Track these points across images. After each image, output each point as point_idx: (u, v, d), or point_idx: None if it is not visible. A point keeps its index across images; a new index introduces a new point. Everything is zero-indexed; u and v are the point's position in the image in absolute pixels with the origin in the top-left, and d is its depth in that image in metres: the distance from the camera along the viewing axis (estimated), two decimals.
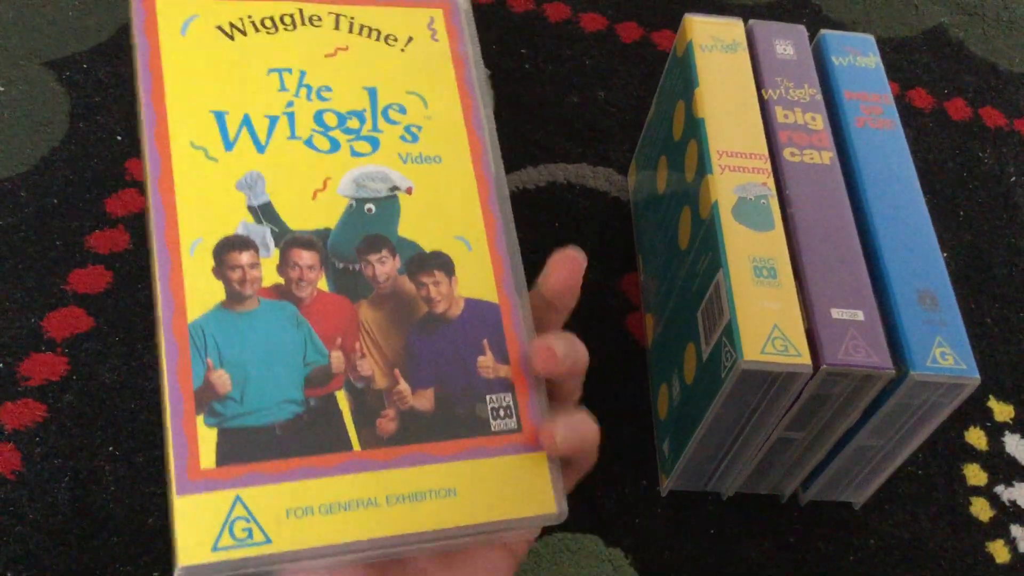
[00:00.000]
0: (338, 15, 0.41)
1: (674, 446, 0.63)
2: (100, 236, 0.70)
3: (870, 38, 0.69)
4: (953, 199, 0.86)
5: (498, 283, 0.39)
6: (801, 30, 0.68)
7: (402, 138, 0.40)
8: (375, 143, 0.40)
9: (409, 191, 0.39)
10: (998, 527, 0.68)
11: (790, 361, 0.53)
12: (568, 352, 0.37)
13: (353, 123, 0.40)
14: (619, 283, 0.76)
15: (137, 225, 0.71)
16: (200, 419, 0.33)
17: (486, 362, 0.37)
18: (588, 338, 0.71)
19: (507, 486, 0.36)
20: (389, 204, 0.39)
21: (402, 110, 0.41)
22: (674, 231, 0.66)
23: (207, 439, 0.33)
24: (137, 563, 0.57)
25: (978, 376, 0.54)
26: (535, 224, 0.78)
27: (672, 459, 0.63)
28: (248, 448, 0.33)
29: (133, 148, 0.76)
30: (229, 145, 0.38)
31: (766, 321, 0.54)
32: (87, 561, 0.57)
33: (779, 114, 0.63)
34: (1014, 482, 0.70)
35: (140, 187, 0.73)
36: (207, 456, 0.33)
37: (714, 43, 0.66)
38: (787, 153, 0.61)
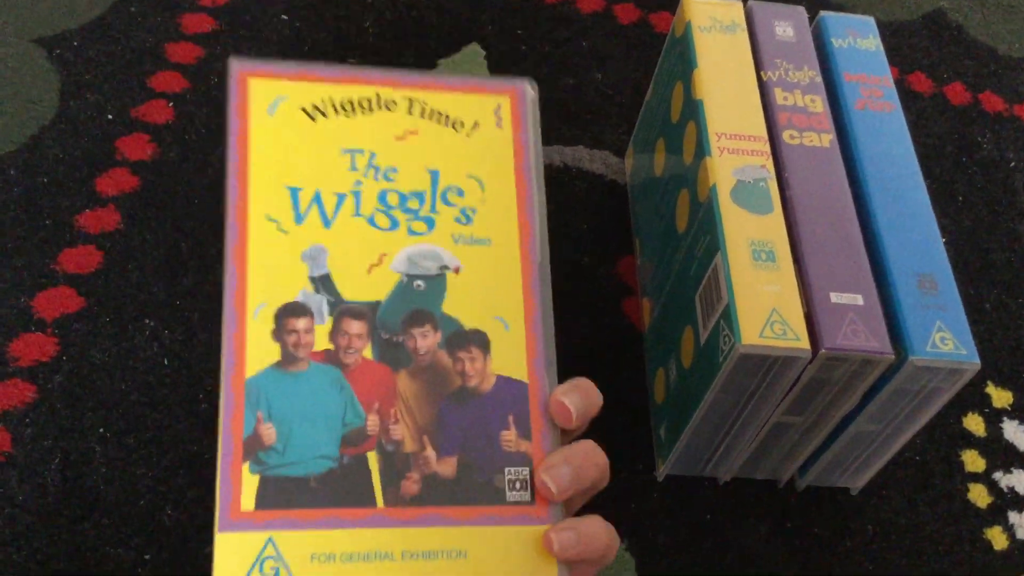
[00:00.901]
0: (411, 100, 0.44)
1: (671, 431, 0.63)
2: (90, 215, 0.69)
3: (870, 20, 0.68)
4: (952, 184, 0.85)
5: (529, 363, 0.41)
6: (801, 11, 0.67)
7: (457, 219, 0.43)
8: (431, 223, 0.42)
9: (457, 270, 0.42)
10: (996, 513, 0.67)
11: (789, 345, 0.52)
12: (582, 410, 0.40)
13: (413, 203, 0.43)
14: (615, 267, 0.75)
15: (128, 205, 0.71)
16: (246, 466, 0.37)
17: (509, 436, 0.40)
18: (584, 323, 0.71)
19: (514, 554, 0.38)
20: (437, 282, 0.42)
21: (460, 193, 0.43)
22: (672, 214, 0.65)
23: (249, 484, 0.37)
24: (128, 545, 0.57)
25: (978, 361, 0.53)
26: None
27: (669, 444, 0.63)
28: (284, 495, 0.37)
29: (124, 127, 0.75)
30: (299, 219, 0.41)
31: (765, 305, 0.53)
32: (77, 543, 0.56)
33: (778, 96, 0.63)
34: (1012, 468, 0.70)
35: (131, 167, 0.72)
36: (247, 499, 0.37)
37: (713, 24, 0.65)
38: (786, 135, 0.61)
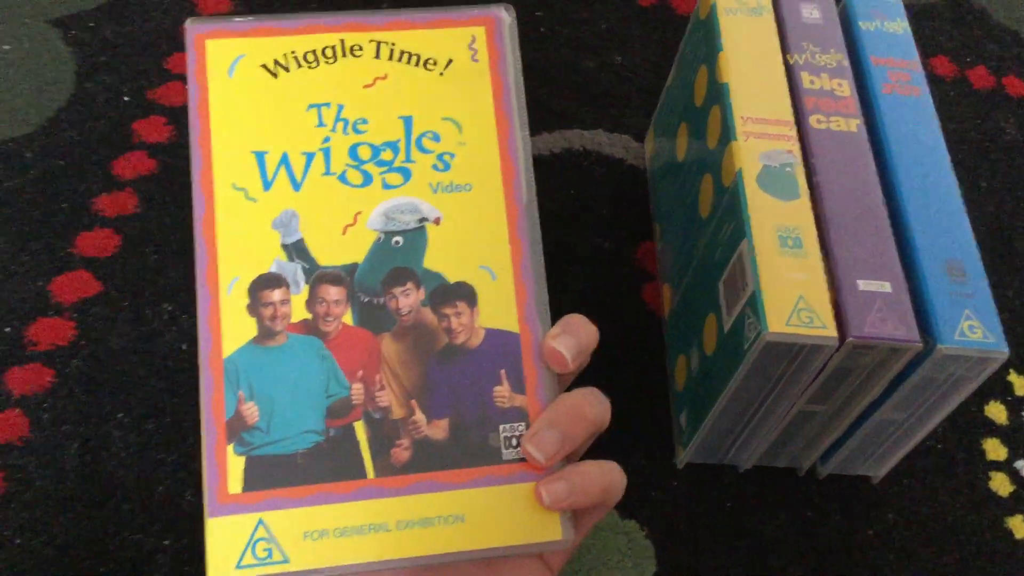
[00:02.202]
0: (379, 43, 0.42)
1: (692, 418, 0.62)
2: (107, 199, 0.69)
3: (898, 2, 0.67)
4: (975, 170, 0.84)
5: (520, 313, 0.40)
6: None
7: (434, 167, 0.41)
8: (407, 174, 0.41)
9: (437, 221, 0.40)
10: (1018, 502, 0.67)
11: (815, 333, 0.51)
12: (576, 350, 0.38)
13: (387, 155, 0.41)
14: (635, 252, 0.75)
15: (145, 188, 0.70)
16: (230, 448, 0.36)
17: (502, 391, 0.38)
18: (603, 308, 0.71)
19: (515, 513, 0.37)
20: (417, 236, 0.40)
21: (436, 138, 0.41)
22: (694, 199, 0.65)
23: (235, 466, 0.36)
24: (147, 531, 0.56)
25: (1007, 350, 0.52)
26: (550, 191, 0.76)
27: (690, 432, 0.62)
28: (272, 475, 0.36)
29: (140, 109, 0.74)
30: (267, 185, 0.39)
31: (791, 292, 0.52)
32: (96, 529, 0.56)
33: (805, 80, 0.62)
34: None
35: (148, 150, 0.72)
36: (235, 482, 0.36)
37: (738, 6, 0.64)
38: (813, 120, 0.60)
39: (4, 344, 0.62)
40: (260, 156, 0.40)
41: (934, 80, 0.90)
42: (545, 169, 0.77)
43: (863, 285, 0.53)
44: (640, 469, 0.64)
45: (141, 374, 0.62)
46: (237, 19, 0.41)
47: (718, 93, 0.61)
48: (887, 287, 0.53)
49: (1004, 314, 0.76)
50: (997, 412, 0.71)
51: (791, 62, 0.62)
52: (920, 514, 0.65)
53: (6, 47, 0.75)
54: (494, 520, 0.37)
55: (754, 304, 0.52)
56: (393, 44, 0.42)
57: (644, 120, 0.81)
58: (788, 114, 0.60)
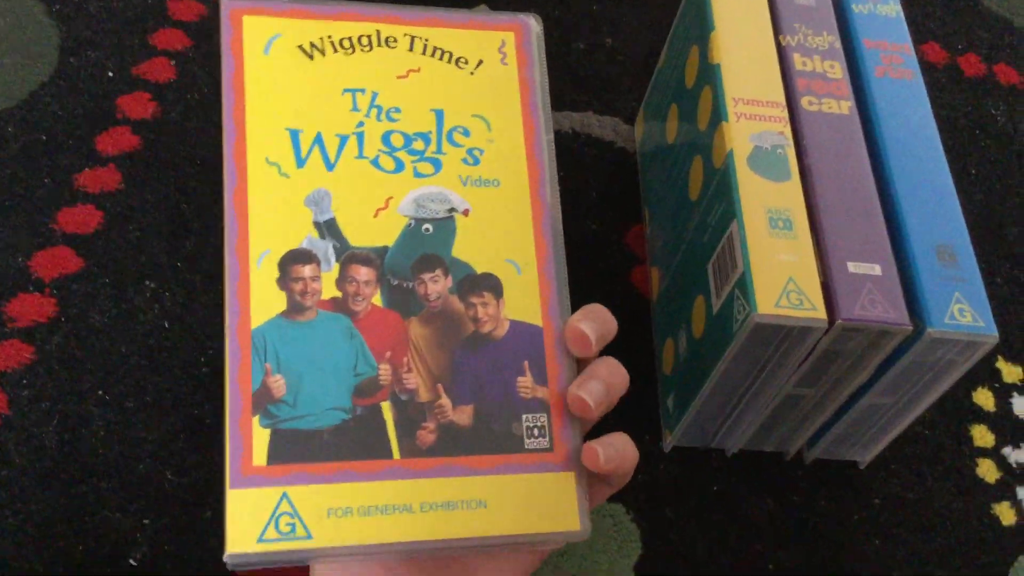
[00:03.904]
0: (413, 37, 0.43)
1: (679, 402, 0.62)
2: (90, 175, 0.68)
3: None
4: (965, 156, 0.84)
5: (543, 308, 0.40)
6: None
7: (464, 160, 0.41)
8: (438, 165, 0.41)
9: (466, 213, 0.41)
10: (1004, 489, 0.67)
11: (805, 315, 0.51)
12: (599, 335, 0.40)
13: (418, 144, 0.41)
14: (624, 236, 0.74)
15: (128, 165, 0.69)
16: (256, 420, 0.36)
17: (525, 382, 0.39)
18: (592, 292, 0.70)
19: (535, 502, 0.37)
20: (446, 225, 0.40)
21: (466, 133, 0.42)
22: (684, 181, 0.64)
23: (260, 438, 0.36)
24: (127, 510, 0.56)
25: (996, 334, 0.52)
26: None
27: (677, 415, 0.62)
28: (297, 449, 0.36)
29: (125, 85, 0.73)
30: (301, 162, 0.40)
31: (781, 274, 0.52)
32: (76, 507, 0.55)
33: (797, 61, 0.61)
34: (1022, 444, 0.69)
35: (132, 126, 0.71)
36: (259, 454, 0.35)
37: None
38: (805, 102, 0.59)
39: None
40: (294, 134, 0.40)
41: (925, 66, 0.90)
42: None
43: (853, 268, 0.53)
44: None
45: (122, 352, 0.61)
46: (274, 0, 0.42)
47: (709, 74, 0.61)
48: (877, 270, 0.53)
49: (993, 301, 0.75)
50: (985, 399, 0.71)
51: (783, 43, 0.62)
52: (907, 500, 0.65)
53: None
54: (515, 508, 0.37)
55: (743, 286, 0.52)
56: (427, 40, 0.43)
57: (634, 102, 0.81)
58: (780, 96, 0.59)
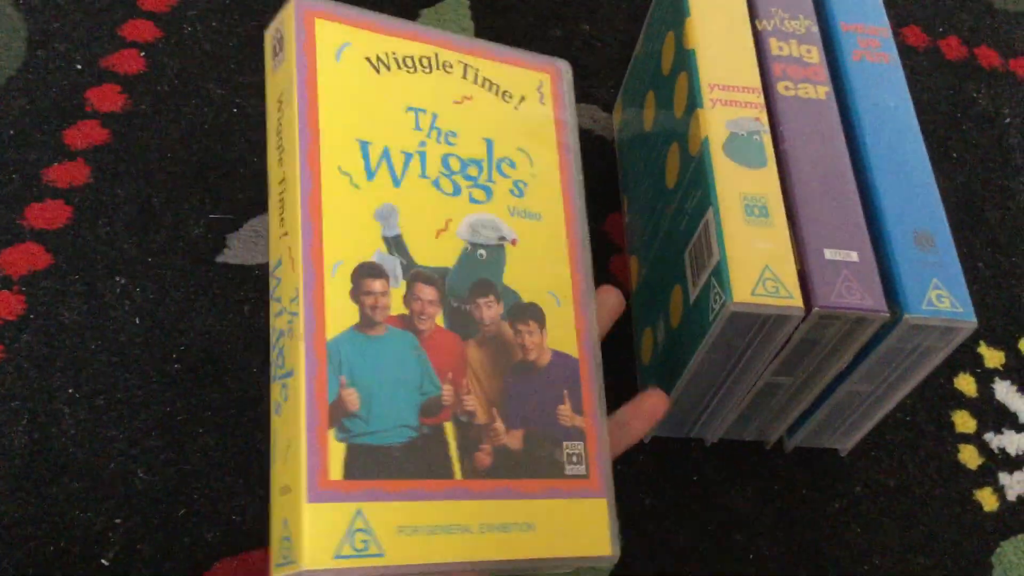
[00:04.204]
0: (466, 65, 0.44)
1: None
2: (59, 169, 0.67)
3: None
4: (946, 140, 0.84)
5: (579, 339, 0.42)
6: None
7: (511, 192, 0.43)
8: (489, 193, 0.42)
9: (514, 243, 0.42)
10: (986, 474, 0.67)
11: (781, 303, 0.50)
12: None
13: (472, 171, 0.42)
14: (602, 224, 0.73)
15: (98, 158, 0.68)
16: (331, 433, 0.35)
17: (565, 411, 0.40)
18: None
19: (574, 526, 0.39)
20: (498, 252, 0.41)
21: (512, 164, 0.43)
22: (661, 169, 0.63)
23: (336, 453, 0.35)
24: (97, 509, 0.55)
25: (975, 320, 0.52)
26: None
27: None
28: (371, 465, 0.36)
29: (93, 78, 0.72)
30: (371, 175, 0.39)
31: (757, 262, 0.51)
32: (46, 507, 0.55)
33: (773, 46, 0.60)
34: (1003, 429, 0.69)
35: (102, 119, 0.70)
36: (335, 469, 0.35)
37: None
38: (781, 87, 0.58)
39: None
40: (364, 145, 0.40)
41: (906, 50, 0.89)
42: None
43: (830, 254, 0.52)
44: None
45: (92, 349, 0.60)
46: (342, 5, 0.42)
47: (685, 60, 0.60)
48: (854, 256, 0.52)
49: (974, 285, 0.76)
50: (966, 384, 0.71)
51: (760, 28, 0.61)
52: (888, 487, 0.65)
53: None
54: (559, 532, 0.38)
55: (719, 274, 0.51)
56: (478, 69, 0.44)
57: (612, 90, 0.80)
58: (756, 81, 0.58)
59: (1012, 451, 0.68)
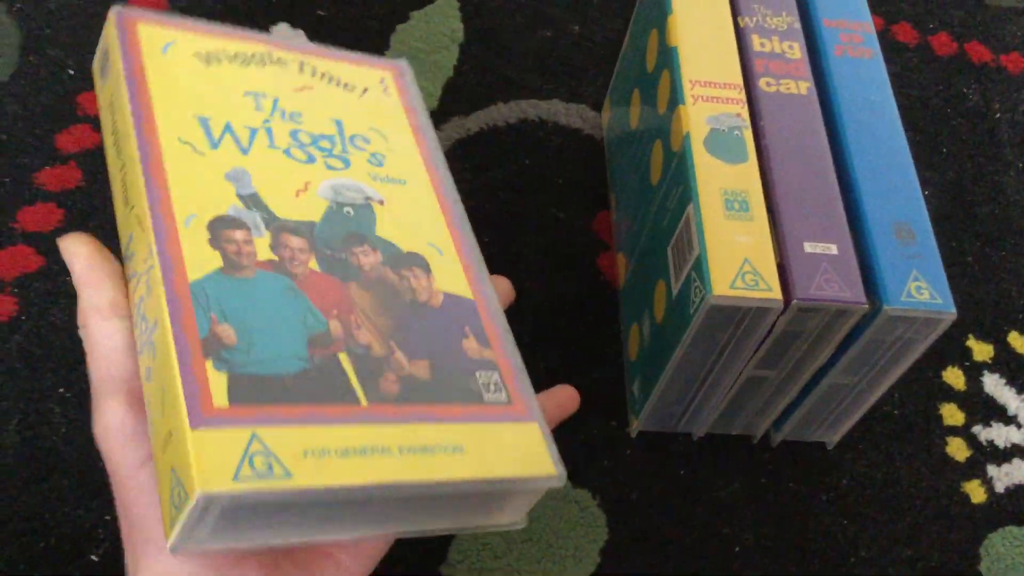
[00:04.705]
0: (302, 61, 0.45)
1: (644, 387, 0.62)
2: (50, 173, 0.68)
3: None
4: (936, 136, 0.84)
5: (470, 283, 0.41)
6: None
7: (369, 161, 0.43)
8: (346, 162, 0.42)
9: (381, 203, 0.42)
10: (974, 467, 0.67)
11: (760, 296, 0.51)
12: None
13: (325, 144, 0.42)
14: (591, 222, 0.74)
15: (89, 162, 0.69)
16: (209, 363, 0.33)
17: (470, 344, 0.39)
18: (560, 278, 0.70)
19: (508, 449, 0.37)
20: (366, 210, 0.41)
21: (366, 140, 0.44)
22: (646, 166, 0.64)
23: (217, 381, 0.33)
24: (88, 506, 0.56)
25: (954, 311, 0.52)
26: (505, 162, 0.75)
27: (642, 400, 0.62)
28: (260, 392, 0.33)
29: (85, 82, 0.73)
30: (214, 144, 0.39)
31: (737, 255, 0.52)
32: (36, 504, 0.55)
33: (755, 43, 0.61)
34: (992, 422, 0.69)
35: (93, 123, 0.71)
36: (219, 395, 0.32)
37: None
38: (763, 83, 0.59)
39: None
40: (204, 120, 0.40)
41: (896, 47, 0.89)
42: (500, 140, 0.76)
43: (810, 247, 0.53)
44: (593, 438, 0.63)
45: (82, 349, 0.61)
46: (164, 14, 0.42)
47: (667, 57, 0.60)
48: (833, 249, 0.53)
49: (963, 280, 0.76)
50: (955, 378, 0.71)
51: (742, 25, 0.62)
52: (875, 479, 0.65)
53: None
54: (492, 454, 0.36)
55: (699, 268, 0.52)
56: (315, 66, 0.45)
57: (601, 90, 0.80)
58: (737, 77, 0.59)
59: (1000, 443, 0.68)
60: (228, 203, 0.37)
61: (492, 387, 0.39)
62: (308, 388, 0.34)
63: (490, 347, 0.40)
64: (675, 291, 0.55)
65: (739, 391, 0.59)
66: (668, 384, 0.58)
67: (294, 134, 0.41)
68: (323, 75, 0.45)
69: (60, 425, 0.58)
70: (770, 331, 0.53)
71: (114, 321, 0.37)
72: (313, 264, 0.38)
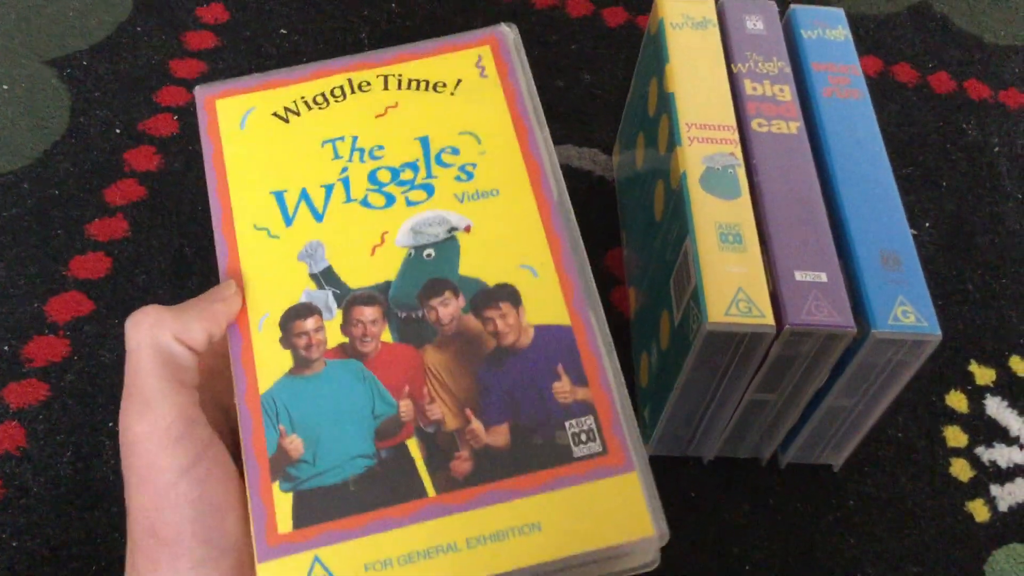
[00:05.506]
0: (386, 76, 0.43)
1: (653, 412, 0.65)
2: (99, 224, 0.73)
3: (839, 11, 0.70)
4: (936, 170, 0.87)
5: (568, 304, 0.38)
6: (771, 6, 0.70)
7: (457, 179, 0.41)
8: (430, 190, 0.40)
9: (468, 229, 0.40)
10: (978, 487, 0.69)
11: (754, 322, 0.54)
12: None
13: (407, 175, 0.41)
14: (603, 259, 0.78)
15: (135, 214, 0.74)
16: (276, 485, 0.34)
17: (562, 387, 0.37)
18: None
19: (597, 513, 0.34)
20: (448, 246, 0.39)
21: (455, 151, 0.41)
22: (650, 204, 0.68)
23: (283, 504, 0.34)
24: None
25: (939, 333, 0.55)
26: None
27: (652, 425, 0.65)
28: (324, 508, 0.34)
29: (131, 140, 0.78)
30: (289, 221, 0.39)
31: (731, 285, 0.55)
32: (88, 530, 0.60)
33: (748, 87, 0.65)
34: (995, 443, 0.71)
35: (138, 178, 0.76)
36: (284, 521, 0.34)
37: (684, 20, 0.68)
38: (755, 124, 0.63)
39: (2, 362, 0.66)
40: (279, 195, 0.40)
41: (896, 87, 0.93)
42: None
43: (800, 276, 0.56)
44: None
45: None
46: (244, 78, 0.43)
47: (666, 102, 0.65)
48: (823, 277, 0.56)
49: (964, 307, 0.79)
50: (958, 401, 0.73)
51: (735, 71, 0.66)
52: (880, 500, 0.68)
53: (4, 87, 0.80)
54: (575, 524, 0.34)
55: (696, 297, 0.55)
56: (400, 75, 0.43)
57: (611, 134, 0.85)
58: (731, 119, 0.63)
59: (1003, 464, 0.70)
60: (301, 288, 0.38)
61: (584, 436, 0.36)
62: (373, 491, 0.34)
63: (586, 384, 0.36)
64: (676, 320, 0.59)
65: (743, 414, 0.62)
66: (675, 408, 0.62)
67: (372, 175, 0.40)
68: (409, 83, 0.43)
69: (110, 457, 0.63)
70: (766, 356, 0.57)
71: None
72: (386, 335, 0.37)
